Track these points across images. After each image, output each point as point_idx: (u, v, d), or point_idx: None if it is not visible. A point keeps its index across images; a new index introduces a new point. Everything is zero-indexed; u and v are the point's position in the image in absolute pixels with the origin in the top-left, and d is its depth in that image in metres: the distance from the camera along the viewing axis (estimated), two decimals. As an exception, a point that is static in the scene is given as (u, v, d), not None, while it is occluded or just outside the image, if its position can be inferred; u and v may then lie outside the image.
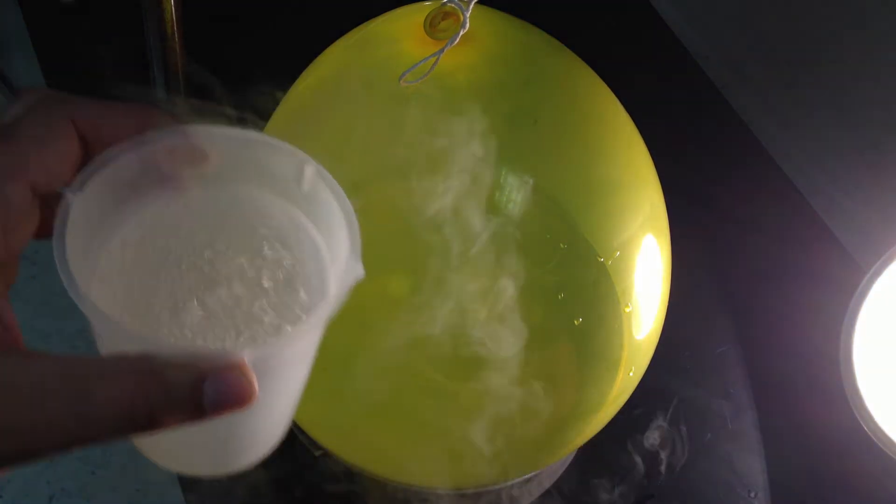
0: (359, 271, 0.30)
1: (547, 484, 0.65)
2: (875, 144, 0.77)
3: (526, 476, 0.60)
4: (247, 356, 0.27)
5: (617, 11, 0.96)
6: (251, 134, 0.32)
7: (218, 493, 0.66)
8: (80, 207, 0.29)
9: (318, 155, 0.48)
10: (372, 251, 0.47)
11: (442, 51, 0.44)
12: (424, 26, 0.46)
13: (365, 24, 0.52)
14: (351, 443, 0.54)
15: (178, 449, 0.33)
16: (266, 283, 0.32)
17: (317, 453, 0.60)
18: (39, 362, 0.26)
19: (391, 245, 0.47)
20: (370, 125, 0.47)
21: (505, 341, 0.47)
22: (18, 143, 0.29)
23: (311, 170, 0.32)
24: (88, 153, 0.30)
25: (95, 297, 0.30)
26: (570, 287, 0.47)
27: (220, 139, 0.32)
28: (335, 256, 0.32)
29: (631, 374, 0.52)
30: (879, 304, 0.61)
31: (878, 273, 0.60)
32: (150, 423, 0.26)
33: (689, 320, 0.73)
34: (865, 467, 0.68)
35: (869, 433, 0.60)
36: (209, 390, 0.26)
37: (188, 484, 0.65)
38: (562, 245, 0.46)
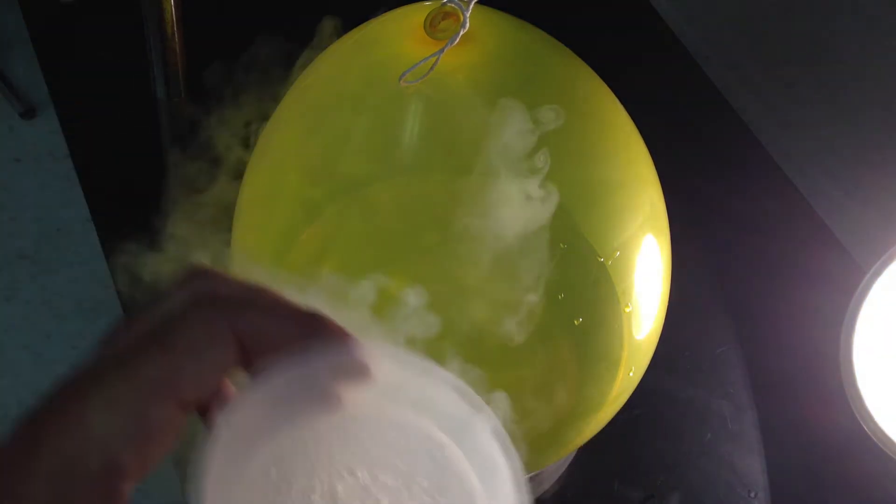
0: None
1: (547, 484, 0.65)
2: (875, 144, 0.77)
3: (526, 476, 0.60)
4: None
5: (617, 11, 0.96)
6: (425, 363, 0.29)
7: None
8: (229, 429, 0.27)
9: (319, 155, 0.48)
10: (372, 251, 0.47)
11: (442, 51, 0.44)
12: (424, 26, 0.46)
13: (365, 24, 0.52)
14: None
15: None
16: None
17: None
18: None
19: (391, 245, 0.47)
20: (370, 125, 0.47)
21: (505, 341, 0.47)
22: (173, 354, 0.26)
23: (485, 421, 0.29)
24: (246, 360, 0.28)
25: None
26: (570, 287, 0.47)
27: (387, 359, 0.29)
28: None
29: (631, 374, 0.52)
30: (879, 304, 0.61)
31: (878, 273, 0.60)
32: None
33: (688, 320, 0.73)
34: (865, 467, 0.68)
35: (869, 433, 0.60)
36: None
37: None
38: (562, 245, 0.46)
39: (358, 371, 0.29)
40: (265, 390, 0.28)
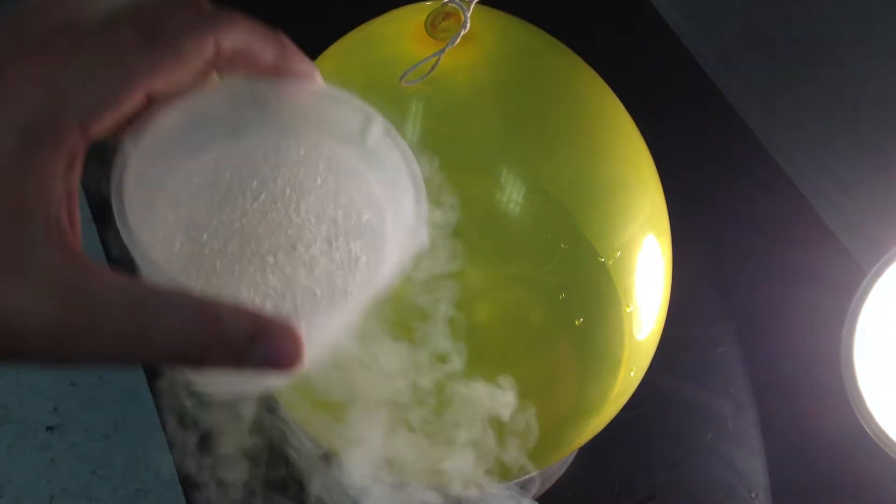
0: (423, 238, 0.29)
1: (547, 485, 0.65)
2: (876, 144, 0.77)
3: (526, 476, 0.60)
4: (304, 325, 0.26)
5: (618, 11, 0.96)
6: (318, 86, 0.31)
7: (218, 493, 0.66)
8: (157, 132, 0.29)
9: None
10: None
11: (443, 51, 0.44)
12: (425, 26, 0.46)
13: (366, 24, 0.52)
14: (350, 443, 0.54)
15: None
16: (325, 244, 0.31)
17: (318, 453, 0.60)
18: (105, 280, 0.26)
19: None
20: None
21: (506, 341, 0.47)
22: (155, 48, 0.27)
23: (378, 126, 0.32)
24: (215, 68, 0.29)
25: (152, 240, 0.29)
26: (571, 287, 0.47)
27: (287, 91, 0.31)
28: (398, 219, 0.31)
29: (632, 374, 0.52)
30: (880, 304, 0.61)
31: (878, 273, 0.60)
32: (198, 362, 0.26)
33: (689, 320, 0.73)
34: (866, 468, 0.68)
35: (870, 433, 0.60)
36: (260, 349, 0.26)
37: (188, 484, 0.65)
38: (563, 245, 0.46)
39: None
40: (200, 101, 0.29)
